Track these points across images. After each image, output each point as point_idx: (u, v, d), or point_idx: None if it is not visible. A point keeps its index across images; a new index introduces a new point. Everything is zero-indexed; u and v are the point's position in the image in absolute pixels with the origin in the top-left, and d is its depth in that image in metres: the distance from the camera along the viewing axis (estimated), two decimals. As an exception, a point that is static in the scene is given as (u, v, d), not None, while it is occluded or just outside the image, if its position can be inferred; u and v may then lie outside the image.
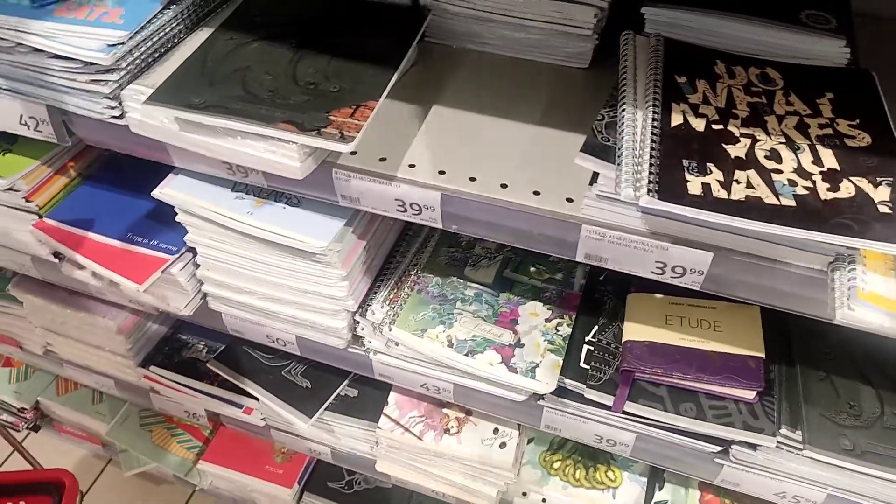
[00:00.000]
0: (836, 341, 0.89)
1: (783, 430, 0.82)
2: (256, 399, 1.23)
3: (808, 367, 0.87)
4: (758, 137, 0.66)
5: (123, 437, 1.63)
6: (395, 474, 1.22)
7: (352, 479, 1.58)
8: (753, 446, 0.85)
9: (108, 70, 0.78)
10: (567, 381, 0.90)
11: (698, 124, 0.66)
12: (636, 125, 0.66)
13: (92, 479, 1.91)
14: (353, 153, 0.76)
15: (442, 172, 0.74)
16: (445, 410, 1.17)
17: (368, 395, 1.24)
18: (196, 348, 1.34)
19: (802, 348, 0.90)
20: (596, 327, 0.95)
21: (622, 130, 0.65)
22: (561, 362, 0.91)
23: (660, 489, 1.17)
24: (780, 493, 0.89)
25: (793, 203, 0.59)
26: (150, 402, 1.39)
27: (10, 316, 1.39)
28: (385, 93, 0.74)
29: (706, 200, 0.59)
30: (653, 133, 0.65)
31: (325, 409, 1.21)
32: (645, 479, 1.21)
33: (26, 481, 1.24)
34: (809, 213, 0.59)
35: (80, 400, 1.72)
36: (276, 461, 1.56)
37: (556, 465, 1.25)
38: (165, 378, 1.30)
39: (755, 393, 0.84)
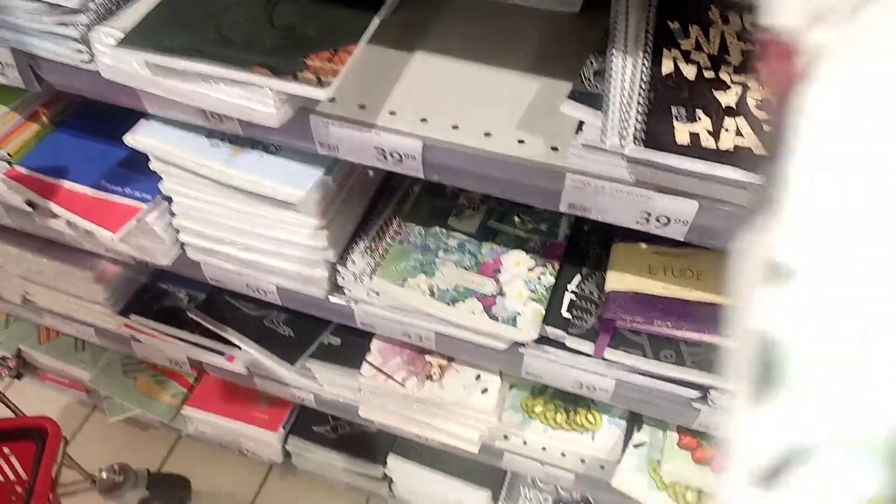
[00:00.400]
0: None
1: (760, 377, 0.83)
2: (239, 347, 1.23)
3: (787, 316, 0.88)
4: (750, 85, 0.64)
5: (107, 385, 1.64)
6: (378, 419, 1.24)
7: (336, 423, 1.61)
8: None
9: (76, 11, 0.73)
10: (549, 329, 0.91)
11: (689, 71, 0.65)
12: (625, 72, 0.64)
13: (77, 425, 1.92)
14: (332, 100, 0.73)
15: (424, 120, 0.72)
16: (428, 357, 1.18)
17: (351, 343, 1.24)
18: (177, 296, 1.33)
19: (782, 297, 0.90)
20: (579, 277, 0.95)
21: (610, 77, 0.63)
22: (543, 311, 0.91)
23: (638, 431, 1.20)
24: (754, 437, 0.91)
25: (781, 153, 0.58)
26: (132, 350, 1.39)
27: (-15, 265, 1.36)
28: (365, 36, 0.71)
29: (694, 149, 0.58)
30: (642, 80, 0.63)
31: (308, 357, 1.21)
32: (624, 422, 1.24)
33: (9, 429, 1.24)
34: (797, 163, 0.58)
35: (62, 348, 1.71)
36: (261, 406, 1.58)
37: (537, 410, 1.27)
38: (146, 326, 1.29)
39: (734, 341, 0.85)
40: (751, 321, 0.31)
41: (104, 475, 1.55)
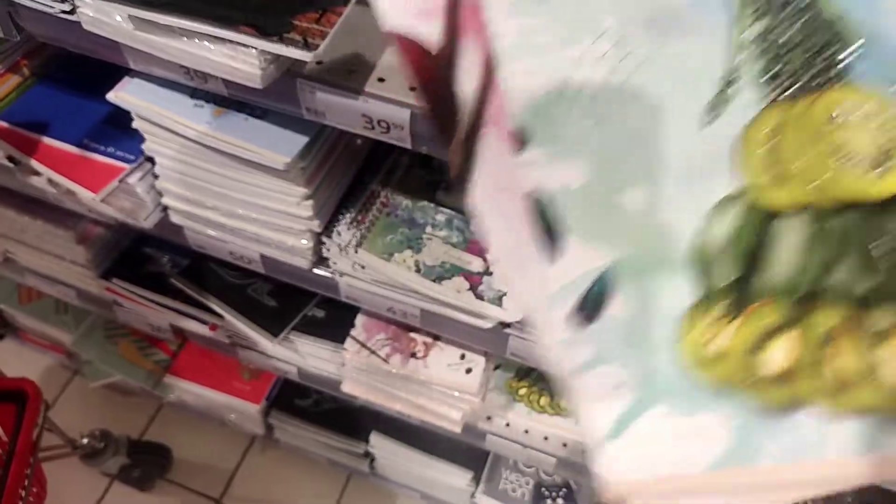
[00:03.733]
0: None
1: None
2: (222, 317, 1.21)
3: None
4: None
5: (88, 349, 1.62)
6: (360, 395, 1.23)
7: (319, 397, 1.60)
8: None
9: (56, -43, 0.71)
10: (535, 310, 0.89)
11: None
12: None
13: (58, 389, 1.91)
14: (320, 63, 0.71)
15: (413, 89, 0.69)
16: (413, 334, 1.17)
17: (336, 317, 1.23)
18: (160, 262, 1.31)
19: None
20: (567, 258, 0.93)
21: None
22: (529, 292, 0.89)
23: (621, 418, 1.19)
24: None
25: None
26: (114, 314, 1.37)
27: (-34, 222, 1.34)
28: (355, -3, 0.69)
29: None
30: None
31: (292, 330, 1.20)
32: (607, 408, 1.23)
33: (-13, 390, 1.23)
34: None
35: (43, 309, 1.69)
36: (243, 377, 1.57)
37: (521, 392, 1.26)
38: (128, 291, 1.27)
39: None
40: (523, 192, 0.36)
41: (85, 441, 1.54)
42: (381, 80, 0.70)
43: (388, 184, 0.99)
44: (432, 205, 0.97)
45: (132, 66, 0.80)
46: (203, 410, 1.68)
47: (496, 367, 1.28)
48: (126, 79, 0.85)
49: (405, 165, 1.02)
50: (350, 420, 1.55)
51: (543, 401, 1.25)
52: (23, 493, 1.15)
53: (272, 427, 1.62)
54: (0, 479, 1.12)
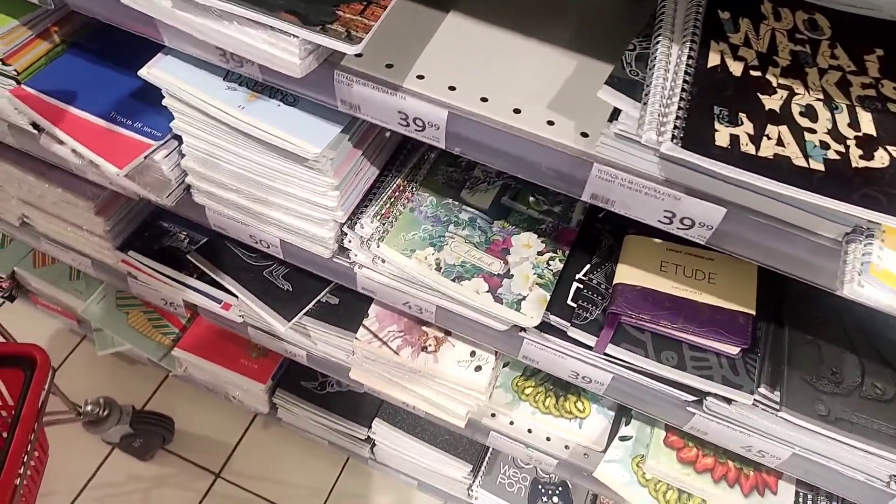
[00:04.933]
0: (829, 305, 0.87)
1: (762, 389, 0.82)
2: (236, 296, 1.21)
3: (796, 329, 0.87)
4: (796, 91, 0.61)
5: (99, 317, 1.62)
6: (368, 383, 1.23)
7: (325, 380, 1.60)
8: (729, 400, 0.85)
9: (95, -74, 0.70)
10: (552, 317, 0.89)
11: (736, 68, 0.61)
12: (669, 61, 0.60)
13: (65, 353, 1.92)
14: (359, 55, 0.70)
15: (452, 88, 0.68)
16: (425, 328, 1.17)
17: (349, 304, 1.23)
18: (178, 237, 1.31)
19: (794, 309, 0.89)
20: (588, 266, 0.93)
21: (653, 65, 0.60)
22: (548, 297, 0.89)
23: (626, 424, 1.19)
24: (746, 446, 0.90)
25: (822, 167, 0.56)
26: (128, 286, 1.37)
27: (-14, 183, 1.33)
28: (400, -9, 0.68)
29: (733, 154, 0.55)
30: (686, 72, 0.60)
31: (305, 314, 1.19)
32: (612, 413, 1.23)
33: (-2, 353, 1.23)
34: (838, 180, 0.55)
35: (57, 274, 1.70)
36: (251, 356, 1.57)
37: (527, 391, 1.26)
38: (144, 264, 1.27)
39: (739, 349, 0.83)
40: None
41: (89, 408, 1.55)
42: (420, 77, 0.69)
43: (413, 179, 0.98)
44: (456, 203, 0.96)
45: (167, 43, 0.79)
46: (209, 385, 1.69)
47: (504, 365, 1.28)
48: (160, 55, 0.84)
49: (432, 161, 1.01)
50: (354, 405, 1.56)
51: (549, 402, 1.25)
52: (25, 458, 1.16)
53: (276, 406, 1.62)
54: (5, 443, 1.13)
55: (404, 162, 1.00)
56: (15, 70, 0.97)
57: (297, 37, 0.64)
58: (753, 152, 0.56)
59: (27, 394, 1.18)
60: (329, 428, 1.58)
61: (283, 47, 0.66)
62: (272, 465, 1.78)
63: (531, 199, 0.98)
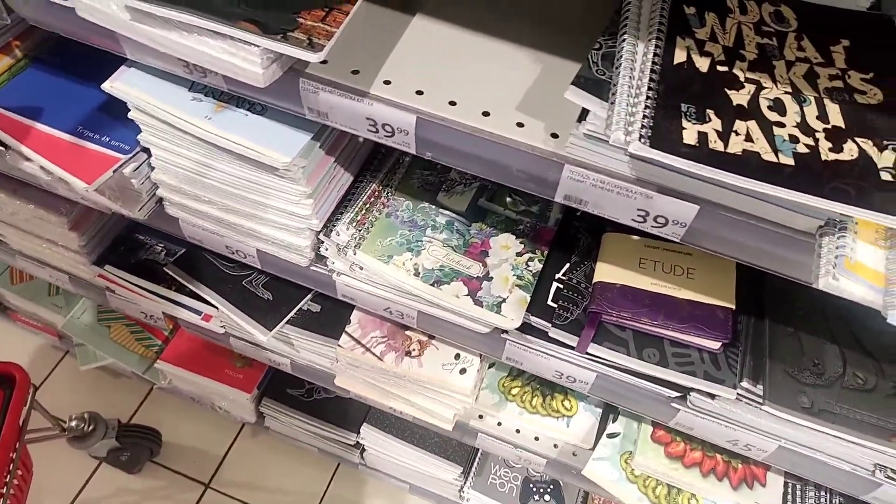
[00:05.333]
0: (809, 298, 0.87)
1: (744, 384, 0.81)
2: (216, 307, 1.19)
3: (777, 322, 0.86)
4: (763, 84, 0.60)
5: (80, 332, 1.60)
6: (353, 390, 1.22)
7: (312, 387, 1.59)
8: (712, 395, 0.84)
9: (48, -60, 0.68)
10: (533, 318, 0.88)
11: (703, 63, 0.61)
12: (635, 59, 0.60)
13: (48, 369, 1.89)
14: (324, 62, 0.69)
15: (420, 93, 0.67)
16: (408, 332, 1.16)
17: (331, 311, 1.22)
18: (154, 250, 1.29)
19: (774, 302, 0.88)
20: (567, 265, 0.92)
21: (619, 64, 0.59)
22: (528, 299, 0.88)
23: (613, 421, 1.19)
24: (732, 441, 0.90)
25: (791, 162, 0.55)
26: (106, 300, 1.35)
27: (-44, 201, 1.31)
28: (362, -4, 0.67)
29: (701, 152, 0.54)
30: (652, 70, 0.59)
31: (286, 323, 1.18)
32: (600, 411, 1.23)
33: (-25, 373, 1.21)
34: (808, 174, 0.54)
35: (35, 290, 1.67)
36: (235, 365, 1.55)
37: (514, 392, 1.26)
38: (121, 278, 1.25)
39: (720, 344, 0.83)
40: None
41: (74, 423, 1.53)
42: (387, 82, 0.68)
43: (388, 184, 0.97)
44: (433, 206, 0.96)
45: (129, 55, 0.77)
46: (194, 396, 1.67)
47: (490, 366, 1.27)
48: (122, 68, 0.82)
49: (406, 165, 1.00)
50: (342, 411, 1.54)
51: (536, 401, 1.24)
52: (7, 477, 1.14)
53: (263, 415, 1.61)
54: (-14, 464, 1.11)
55: (379, 167, 0.98)
56: (-24, 87, 0.95)
57: (258, 46, 0.63)
58: (722, 149, 0.55)
59: (6, 413, 1.17)
60: (318, 435, 1.57)
61: (244, 57, 0.65)
62: (262, 474, 1.77)
63: (508, 199, 0.98)
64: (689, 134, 0.55)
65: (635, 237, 0.90)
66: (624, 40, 0.61)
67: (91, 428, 1.57)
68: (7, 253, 1.38)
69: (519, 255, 0.92)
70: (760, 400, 0.81)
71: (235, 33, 0.62)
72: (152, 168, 0.92)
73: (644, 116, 0.55)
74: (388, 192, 0.96)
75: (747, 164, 0.54)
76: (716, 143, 0.55)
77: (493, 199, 0.98)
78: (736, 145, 0.55)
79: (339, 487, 1.75)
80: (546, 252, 0.93)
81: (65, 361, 1.91)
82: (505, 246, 0.93)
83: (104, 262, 1.25)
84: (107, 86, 0.81)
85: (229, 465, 1.78)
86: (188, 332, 1.37)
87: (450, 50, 0.72)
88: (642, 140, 0.54)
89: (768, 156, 0.55)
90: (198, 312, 1.24)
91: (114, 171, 0.90)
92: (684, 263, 0.87)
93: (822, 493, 1.04)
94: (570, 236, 0.95)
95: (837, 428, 0.78)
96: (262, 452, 1.79)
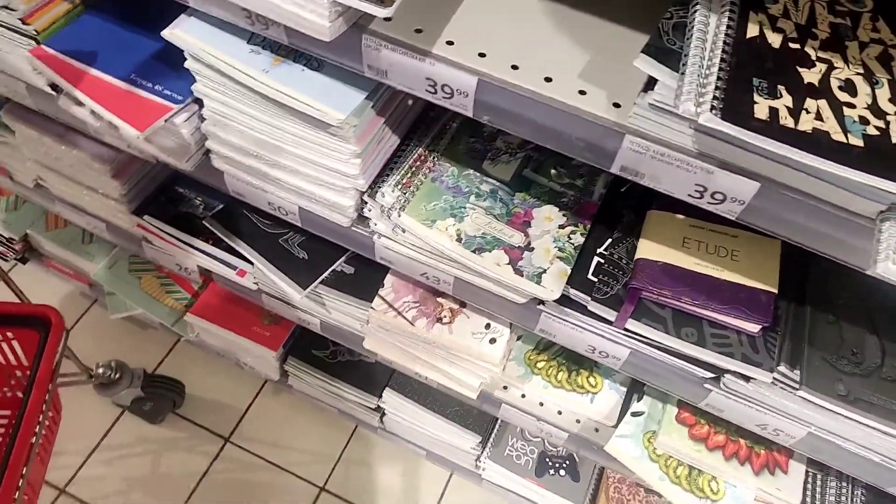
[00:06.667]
0: (853, 286, 0.87)
1: (781, 368, 0.81)
2: (251, 263, 1.21)
3: (818, 309, 0.86)
4: (835, 64, 0.60)
5: (111, 281, 1.63)
6: (381, 353, 1.23)
7: (336, 349, 1.61)
8: (747, 378, 0.85)
9: None
10: (572, 290, 0.89)
11: (775, 39, 0.60)
12: (707, 30, 0.59)
13: (77, 316, 1.93)
14: (388, 19, 0.69)
15: (482, 55, 0.67)
16: (440, 299, 1.17)
17: (364, 274, 1.23)
18: (193, 203, 1.30)
19: (817, 289, 0.88)
20: (610, 240, 0.92)
21: (691, 34, 0.59)
22: (569, 271, 0.89)
23: (638, 401, 1.20)
24: (761, 425, 0.90)
25: (861, 143, 0.55)
26: (142, 250, 1.37)
27: (1, 144, 1.33)
28: (432, -46, 0.66)
29: (771, 127, 0.54)
30: (725, 42, 0.58)
31: (320, 283, 1.19)
32: (624, 389, 1.23)
33: (14, 314, 1.24)
34: (877, 156, 0.54)
35: (69, 237, 1.70)
36: (263, 322, 1.58)
37: (539, 365, 1.26)
38: (159, 229, 1.27)
39: (760, 327, 0.83)
40: None
41: (101, 370, 1.57)
42: (449, 42, 0.68)
43: (435, 149, 0.97)
44: (478, 174, 0.96)
45: (191, 3, 0.77)
46: (220, 351, 1.70)
47: (518, 338, 1.28)
48: (183, 16, 0.83)
49: (453, 131, 1.00)
50: (364, 374, 1.56)
51: (561, 376, 1.25)
52: (41, 418, 1.17)
53: (287, 373, 1.63)
54: (22, 403, 1.14)
55: (426, 132, 0.98)
56: (34, 30, 0.96)
57: (327, -2, 0.63)
58: (792, 126, 0.54)
59: (42, 355, 1.19)
60: (339, 396, 1.59)
61: (312, 9, 0.65)
62: (281, 432, 1.80)
63: (553, 171, 0.98)
64: (761, 108, 0.55)
65: (680, 216, 0.89)
66: (696, 11, 0.60)
67: (117, 376, 1.61)
68: (47, 198, 1.40)
69: (561, 227, 0.92)
70: (797, 385, 0.81)
71: (306, -17, 0.62)
72: (203, 119, 0.92)
73: (716, 88, 0.55)
74: (434, 157, 0.96)
75: (817, 143, 0.54)
76: (786, 120, 0.55)
77: (537, 170, 0.97)
78: (806, 123, 0.55)
79: (355, 449, 1.78)
80: (588, 226, 0.93)
81: (93, 309, 1.95)
82: (548, 217, 0.93)
83: (143, 212, 1.27)
84: (166, 33, 0.81)
85: (250, 421, 1.81)
86: (221, 286, 1.39)
87: (515, 13, 0.72)
88: (714, 112, 0.53)
89: (838, 136, 0.55)
90: (233, 268, 1.25)
91: (165, 120, 0.90)
92: (728, 245, 0.87)
93: (844, 483, 1.05)
94: (613, 212, 0.95)
95: (872, 417, 0.78)
96: (282, 410, 1.83)
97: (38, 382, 1.16)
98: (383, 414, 1.60)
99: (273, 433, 1.80)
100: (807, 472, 1.07)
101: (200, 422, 1.80)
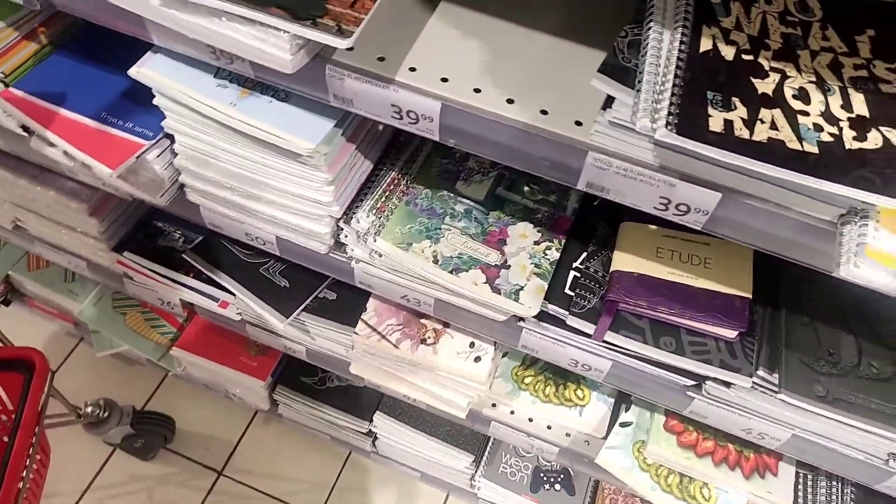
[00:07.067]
0: (825, 288, 0.88)
1: (760, 372, 0.82)
2: (233, 294, 1.21)
3: (793, 312, 0.87)
4: (788, 73, 0.61)
5: (96, 318, 1.62)
6: (368, 377, 1.23)
7: (325, 375, 1.61)
8: (728, 384, 0.85)
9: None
10: (550, 306, 0.89)
11: (728, 52, 0.61)
12: (661, 47, 0.60)
13: (63, 356, 1.91)
14: (351, 49, 0.69)
15: (445, 80, 0.68)
16: (423, 320, 1.17)
17: (347, 299, 1.23)
18: (172, 237, 1.30)
19: (790, 292, 0.89)
20: (585, 254, 0.93)
21: (645, 52, 0.60)
22: (546, 287, 0.89)
23: (626, 411, 1.20)
24: (746, 429, 0.90)
25: (816, 150, 0.56)
26: (124, 286, 1.37)
27: (-23, 187, 1.32)
28: (390, -17, 0.68)
29: (727, 139, 0.55)
30: (679, 58, 0.59)
31: (303, 310, 1.19)
32: (612, 400, 1.24)
33: (-5, 357, 1.23)
34: (832, 162, 0.55)
35: (52, 277, 1.69)
36: (250, 353, 1.57)
37: (527, 381, 1.27)
38: (140, 265, 1.26)
39: (737, 333, 0.83)
40: None
41: (89, 409, 1.55)
42: (412, 69, 0.69)
43: (408, 172, 0.98)
44: (452, 195, 0.96)
45: (155, 41, 0.78)
46: (208, 383, 1.69)
47: (504, 355, 1.28)
48: (149, 54, 0.83)
49: (426, 153, 1.01)
50: (354, 399, 1.56)
51: (549, 390, 1.26)
52: (27, 462, 1.16)
53: (277, 402, 1.62)
54: (7, 448, 1.13)
55: (398, 155, 0.99)
56: (2, 73, 0.96)
57: (288, 32, 0.64)
58: (748, 137, 0.56)
59: (27, 398, 1.18)
60: (330, 423, 1.58)
61: (274, 43, 0.65)
62: (274, 462, 1.79)
63: (526, 188, 0.98)
64: (716, 121, 0.56)
65: (653, 227, 0.90)
66: (650, 28, 0.61)
67: (106, 414, 1.59)
68: (26, 239, 1.39)
69: (536, 243, 0.93)
70: (776, 388, 0.81)
71: (266, 19, 0.63)
72: (175, 154, 0.93)
73: (670, 104, 0.56)
74: (407, 181, 0.97)
75: (773, 152, 0.55)
76: (741, 131, 0.56)
77: (511, 187, 0.98)
78: (761, 133, 0.56)
79: (350, 476, 1.77)
80: (563, 241, 0.93)
81: (80, 348, 1.93)
82: (523, 234, 0.94)
83: (123, 248, 1.27)
84: (133, 71, 0.82)
85: (242, 453, 1.80)
86: (204, 319, 1.38)
87: (476, 38, 0.73)
88: (669, 127, 0.54)
89: (793, 144, 0.56)
90: (215, 299, 1.25)
91: (137, 157, 0.91)
92: (701, 253, 0.88)
93: (834, 482, 1.05)
94: (587, 225, 0.96)
95: (852, 417, 0.79)
96: (274, 440, 1.81)
97: (24, 426, 1.15)
98: (375, 438, 1.60)
99: (266, 464, 1.78)
100: (797, 473, 1.07)
101: (192, 456, 1.79)
